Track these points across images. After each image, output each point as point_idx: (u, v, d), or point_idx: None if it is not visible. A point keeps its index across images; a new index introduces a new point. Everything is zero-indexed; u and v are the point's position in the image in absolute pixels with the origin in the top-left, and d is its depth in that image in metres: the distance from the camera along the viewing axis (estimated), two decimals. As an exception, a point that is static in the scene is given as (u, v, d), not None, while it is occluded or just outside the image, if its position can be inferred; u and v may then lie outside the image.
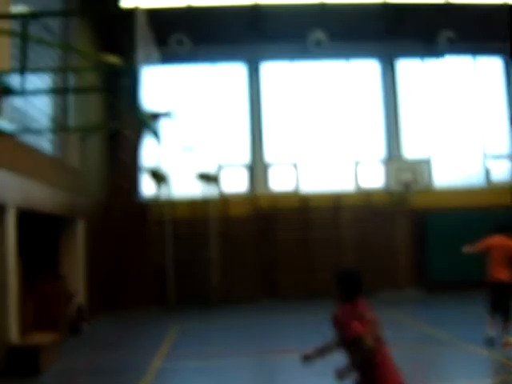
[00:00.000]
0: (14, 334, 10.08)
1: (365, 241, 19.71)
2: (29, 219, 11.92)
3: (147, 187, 19.87)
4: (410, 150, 20.94)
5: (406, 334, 12.45)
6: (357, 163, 20.81)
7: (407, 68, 21.40)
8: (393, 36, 20.23)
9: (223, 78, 21.03)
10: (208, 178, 18.85)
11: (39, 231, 13.71)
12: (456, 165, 20.97)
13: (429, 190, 19.69)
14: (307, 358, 4.91)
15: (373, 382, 4.52)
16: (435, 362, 9.97)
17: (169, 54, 17.80)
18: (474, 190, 20.52)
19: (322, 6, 18.22)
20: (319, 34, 18.86)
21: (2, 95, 10.36)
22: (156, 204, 19.40)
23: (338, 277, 4.86)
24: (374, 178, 20.67)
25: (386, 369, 4.54)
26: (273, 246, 19.49)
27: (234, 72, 21.09)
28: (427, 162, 20.18)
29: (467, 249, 10.80)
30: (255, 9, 19.48)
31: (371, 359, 4.48)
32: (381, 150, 21.02)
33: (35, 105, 12.71)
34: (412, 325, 13.71)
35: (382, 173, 20.23)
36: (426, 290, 19.49)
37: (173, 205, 19.14)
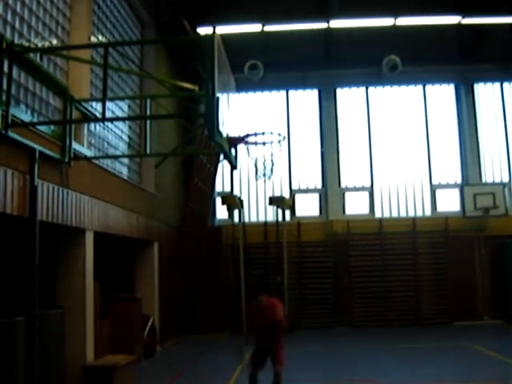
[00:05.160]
0: (90, 354, 10.29)
1: (441, 267, 19.18)
2: (105, 242, 12.21)
3: (221, 212, 20.11)
4: (489, 174, 20.38)
5: (484, 366, 11.92)
6: (433, 188, 20.41)
7: (484, 91, 20.88)
8: (470, 59, 19.77)
9: (296, 103, 21.14)
10: (281, 203, 18.82)
11: (115, 254, 14.02)
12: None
13: (508, 215, 18.98)
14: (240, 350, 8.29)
15: (278, 345, 8.19)
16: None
17: (242, 81, 17.97)
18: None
19: (396, 30, 18.00)
20: (394, 59, 18.61)
21: (82, 121, 10.76)
22: (229, 228, 19.55)
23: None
24: (451, 203, 20.20)
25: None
26: (347, 272, 19.22)
27: (307, 97, 21.16)
28: (506, 186, 19.61)
29: None
30: (328, 34, 19.48)
31: (280, 332, 8.22)
32: (458, 174, 20.54)
33: (113, 131, 13.10)
34: (491, 356, 13.08)
35: (460, 197, 19.77)
36: (505, 319, 18.63)
37: (246, 229, 19.22)
